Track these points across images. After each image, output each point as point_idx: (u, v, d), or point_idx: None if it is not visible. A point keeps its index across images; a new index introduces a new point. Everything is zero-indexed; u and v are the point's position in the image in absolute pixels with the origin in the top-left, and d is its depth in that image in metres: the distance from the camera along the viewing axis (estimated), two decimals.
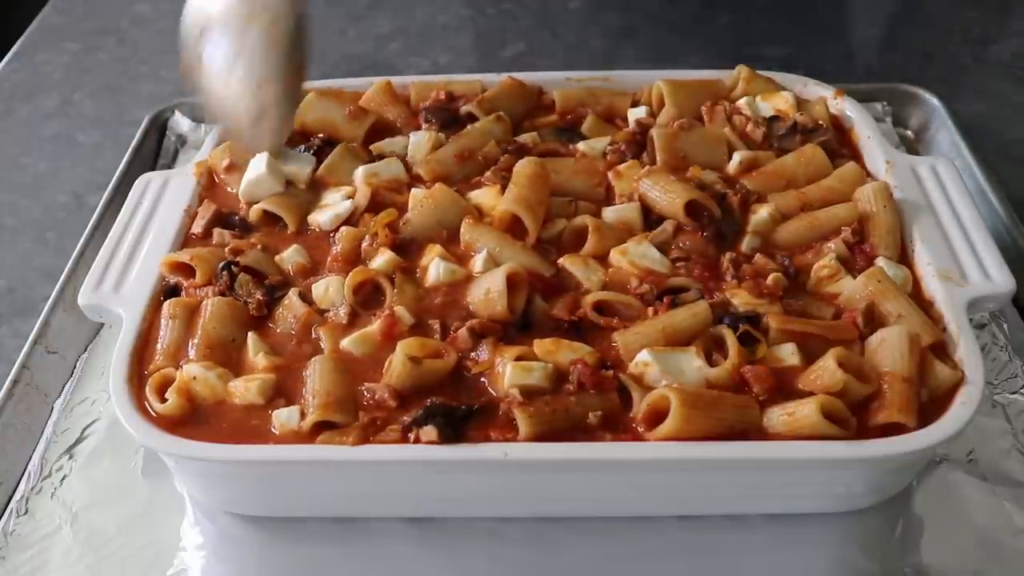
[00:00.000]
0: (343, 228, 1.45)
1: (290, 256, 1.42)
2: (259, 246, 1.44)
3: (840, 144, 1.62)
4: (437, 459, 1.16)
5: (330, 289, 1.35)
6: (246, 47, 1.45)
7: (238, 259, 1.38)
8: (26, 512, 1.32)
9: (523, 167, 1.47)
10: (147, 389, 1.24)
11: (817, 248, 1.41)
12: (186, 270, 1.40)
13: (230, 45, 1.46)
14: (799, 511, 1.28)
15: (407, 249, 1.41)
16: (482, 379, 1.24)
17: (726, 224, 1.44)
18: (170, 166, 1.91)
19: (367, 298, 1.35)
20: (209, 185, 1.56)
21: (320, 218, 1.48)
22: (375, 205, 1.49)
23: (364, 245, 1.41)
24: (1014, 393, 1.41)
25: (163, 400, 1.23)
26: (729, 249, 1.41)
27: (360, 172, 1.54)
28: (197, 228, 1.49)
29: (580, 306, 1.32)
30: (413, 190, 1.50)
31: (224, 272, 1.36)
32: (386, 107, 1.71)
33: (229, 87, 1.46)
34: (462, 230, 1.42)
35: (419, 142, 1.60)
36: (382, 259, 1.37)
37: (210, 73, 1.49)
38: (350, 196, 1.50)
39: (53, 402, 1.47)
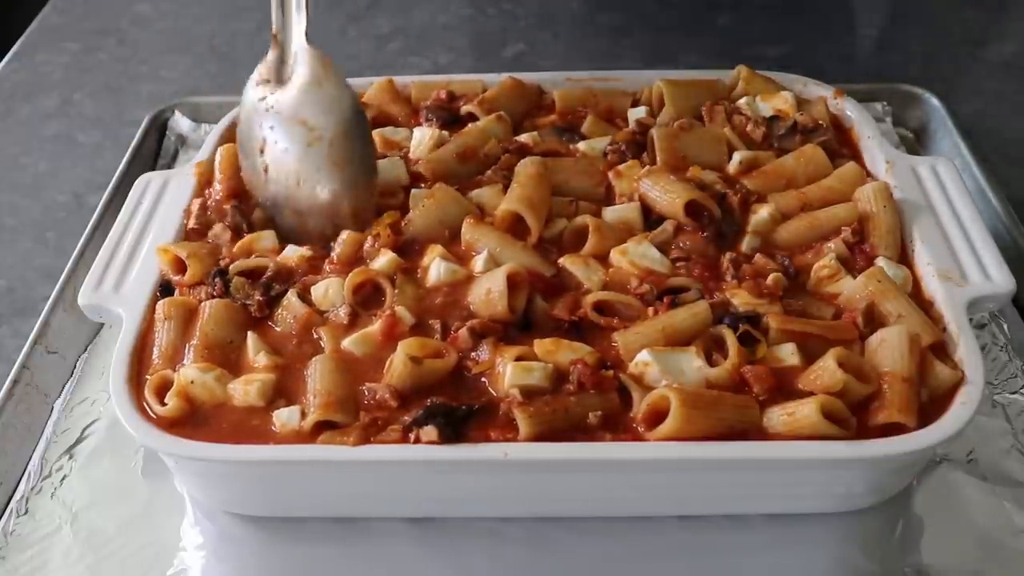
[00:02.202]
0: (344, 232, 1.44)
1: (289, 252, 1.43)
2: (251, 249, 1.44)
3: (840, 144, 1.62)
4: (437, 459, 1.16)
5: (330, 290, 1.35)
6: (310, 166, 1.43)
7: (228, 268, 1.38)
8: (26, 512, 1.32)
9: (525, 167, 1.47)
10: (146, 392, 1.24)
11: (817, 248, 1.41)
12: (184, 266, 1.40)
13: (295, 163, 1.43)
14: (799, 511, 1.28)
15: (408, 249, 1.41)
16: (482, 379, 1.24)
17: (726, 224, 1.44)
18: (170, 166, 1.91)
19: (367, 298, 1.35)
20: (207, 185, 1.56)
21: None
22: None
23: (366, 247, 1.41)
24: (1014, 393, 1.41)
25: (163, 402, 1.23)
26: (729, 249, 1.41)
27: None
28: (192, 224, 1.49)
29: (580, 306, 1.32)
30: (414, 190, 1.50)
31: (216, 279, 1.36)
32: (388, 104, 1.71)
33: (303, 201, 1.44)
34: (463, 230, 1.42)
35: (422, 139, 1.60)
36: (383, 259, 1.37)
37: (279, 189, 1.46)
38: None
39: (53, 402, 1.47)
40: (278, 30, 1.48)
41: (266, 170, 1.46)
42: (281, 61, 1.47)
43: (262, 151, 1.46)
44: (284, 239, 1.46)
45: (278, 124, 1.44)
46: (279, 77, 1.46)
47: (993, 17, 2.36)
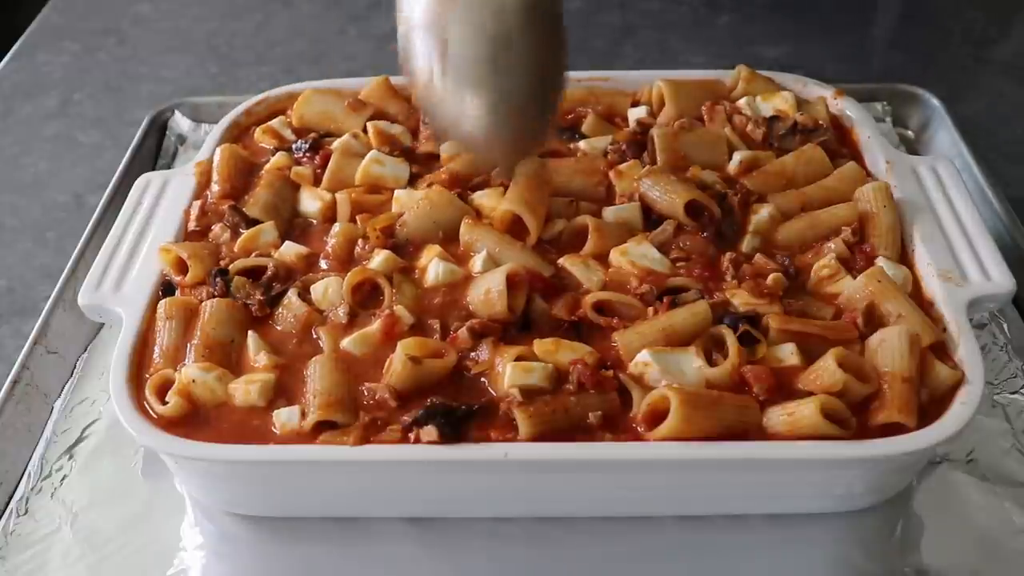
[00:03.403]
0: (337, 225, 1.45)
1: (286, 250, 1.43)
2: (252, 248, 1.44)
3: (840, 144, 1.62)
4: (437, 459, 1.16)
5: (329, 289, 1.35)
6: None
7: (228, 267, 1.38)
8: (26, 512, 1.32)
9: (524, 167, 1.47)
10: (147, 391, 1.24)
11: (817, 248, 1.41)
12: (186, 266, 1.40)
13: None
14: (799, 511, 1.28)
15: (403, 250, 1.41)
16: (482, 379, 1.24)
17: (726, 224, 1.44)
18: (170, 166, 1.91)
19: (365, 298, 1.35)
20: (207, 185, 1.56)
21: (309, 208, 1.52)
22: (367, 205, 1.50)
23: (357, 250, 1.41)
24: (1014, 393, 1.41)
25: (163, 402, 1.23)
26: (729, 249, 1.41)
27: (361, 167, 1.55)
28: (193, 224, 1.50)
29: (580, 306, 1.32)
30: (397, 192, 1.50)
31: (217, 279, 1.36)
32: (387, 102, 1.71)
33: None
34: (462, 230, 1.42)
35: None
36: (380, 259, 1.37)
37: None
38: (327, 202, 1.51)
39: (53, 402, 1.47)
40: None
41: (443, 84, 1.26)
42: None
43: (438, 58, 1.25)
44: (471, 156, 1.37)
45: (463, 10, 1.23)
46: None
47: (993, 17, 2.36)
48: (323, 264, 1.42)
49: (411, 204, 1.47)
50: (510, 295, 1.29)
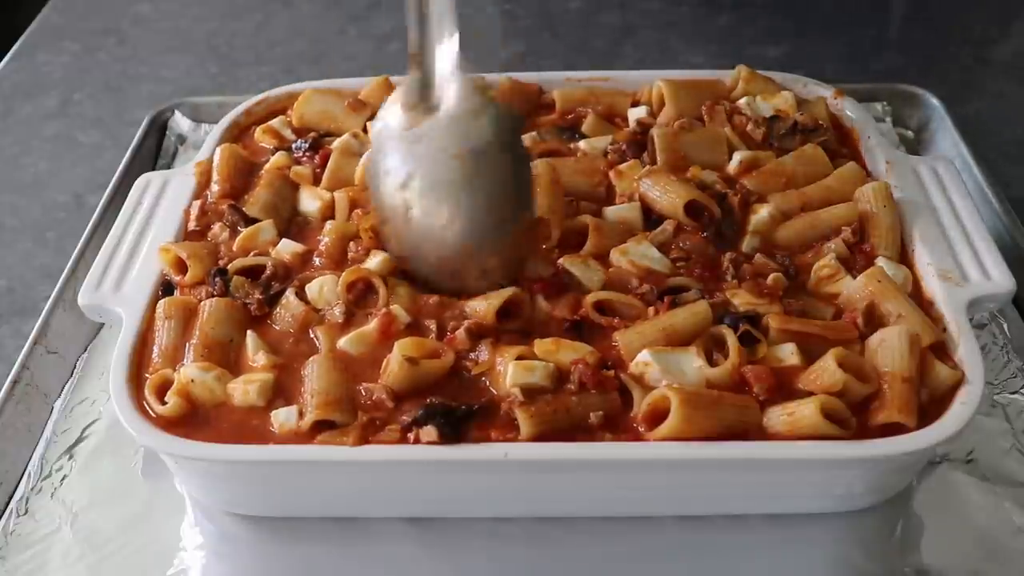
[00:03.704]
0: (329, 222, 1.46)
1: (283, 248, 1.43)
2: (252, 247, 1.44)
3: (840, 144, 1.62)
4: (437, 459, 1.16)
5: (324, 288, 1.35)
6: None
7: (227, 267, 1.38)
8: (26, 512, 1.32)
9: (536, 169, 1.45)
10: (146, 391, 1.24)
11: (817, 248, 1.41)
12: (185, 266, 1.40)
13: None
14: (799, 511, 1.28)
15: None
16: (483, 379, 1.24)
17: (726, 224, 1.44)
18: (170, 166, 1.91)
19: (360, 297, 1.35)
20: (207, 185, 1.56)
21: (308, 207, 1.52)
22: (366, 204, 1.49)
23: (351, 254, 1.41)
24: (1014, 393, 1.41)
25: (163, 402, 1.23)
26: (729, 249, 1.41)
27: (360, 165, 1.54)
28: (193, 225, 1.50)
29: (581, 306, 1.32)
30: None
31: (217, 278, 1.36)
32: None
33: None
34: None
35: None
36: (376, 259, 1.37)
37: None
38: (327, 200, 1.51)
39: (53, 402, 1.47)
40: (417, 52, 1.29)
41: (407, 208, 1.30)
42: (424, 85, 1.29)
43: (404, 186, 1.29)
44: (419, 285, 1.34)
45: (428, 156, 1.27)
46: (425, 104, 1.29)
47: (994, 17, 2.36)
48: (317, 262, 1.42)
49: None
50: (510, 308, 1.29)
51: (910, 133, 1.93)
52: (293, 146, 1.63)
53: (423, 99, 1.29)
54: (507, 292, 1.30)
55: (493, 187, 1.28)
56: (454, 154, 1.26)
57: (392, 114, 1.31)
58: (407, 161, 1.29)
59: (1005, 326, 1.50)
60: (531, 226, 1.36)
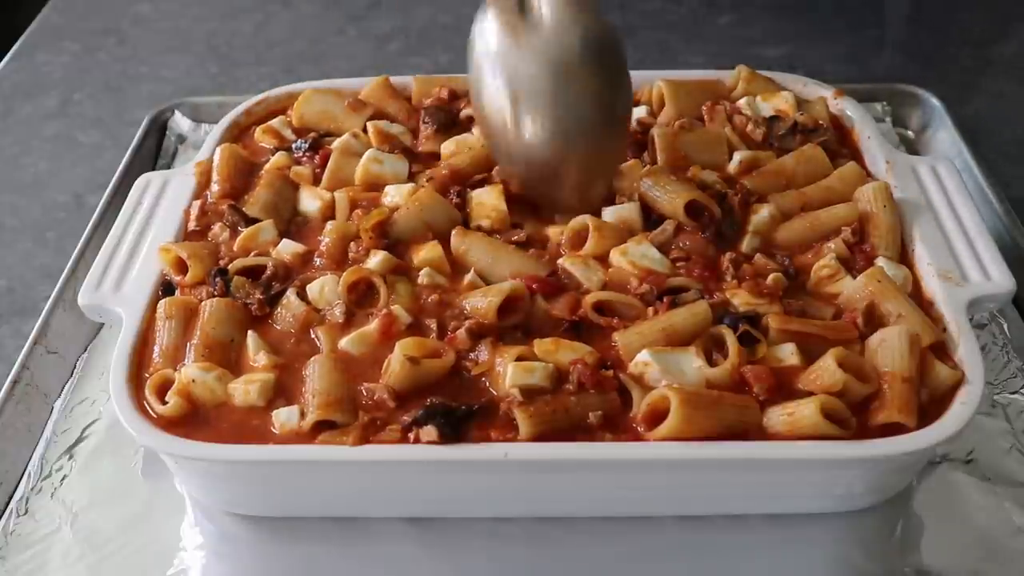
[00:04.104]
0: (329, 223, 1.46)
1: (284, 248, 1.43)
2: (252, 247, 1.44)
3: (840, 144, 1.62)
4: (437, 459, 1.16)
5: (325, 288, 1.35)
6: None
7: (227, 267, 1.38)
8: (26, 512, 1.32)
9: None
10: (146, 391, 1.24)
11: (817, 248, 1.41)
12: (185, 266, 1.40)
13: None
14: (799, 511, 1.28)
15: (394, 249, 1.41)
16: (483, 379, 1.24)
17: (726, 224, 1.44)
18: (170, 166, 1.91)
19: (361, 297, 1.35)
20: (207, 185, 1.56)
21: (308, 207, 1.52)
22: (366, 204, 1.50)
23: (351, 254, 1.41)
24: (1014, 393, 1.41)
25: (163, 402, 1.23)
26: (729, 249, 1.41)
27: (360, 165, 1.54)
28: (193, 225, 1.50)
29: (580, 306, 1.32)
30: (398, 186, 1.51)
31: (217, 278, 1.36)
32: (386, 102, 1.71)
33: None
34: (453, 240, 1.41)
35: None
36: (376, 259, 1.37)
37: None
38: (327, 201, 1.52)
39: (53, 402, 1.47)
40: None
41: (510, 120, 1.35)
42: None
43: (506, 99, 1.34)
44: (539, 206, 1.41)
45: (526, 68, 1.32)
46: (522, 11, 1.33)
47: (994, 17, 2.36)
48: (317, 262, 1.42)
49: (401, 201, 1.47)
50: (510, 305, 1.29)
51: (910, 133, 1.93)
52: (293, 146, 1.63)
53: (520, 7, 1.33)
54: (507, 288, 1.30)
55: (586, 97, 1.33)
56: (550, 65, 1.31)
57: (489, 30, 1.36)
58: (507, 75, 1.33)
59: (1005, 326, 1.50)
60: (623, 136, 1.43)
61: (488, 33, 1.37)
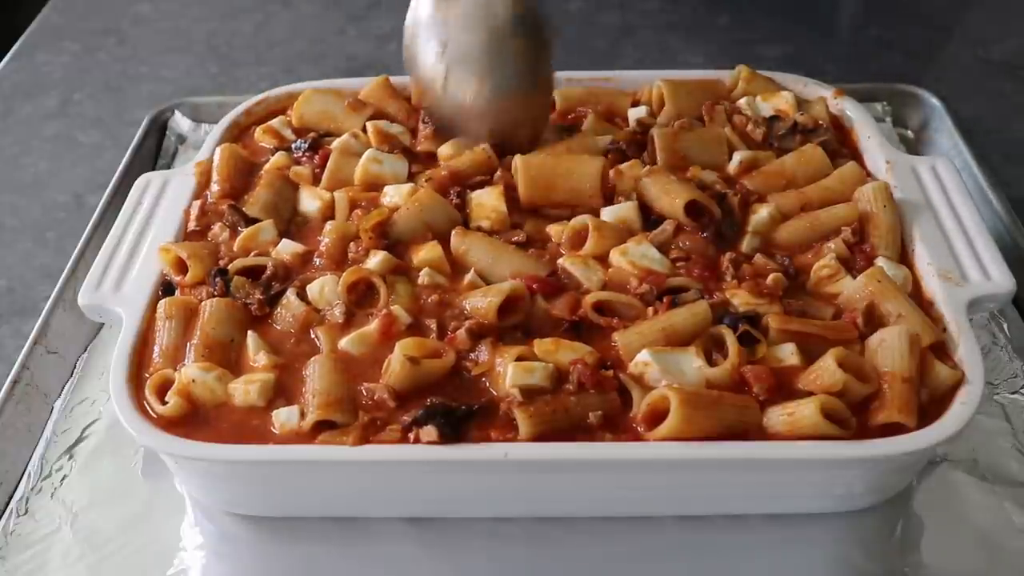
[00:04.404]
0: (329, 223, 1.46)
1: (284, 248, 1.43)
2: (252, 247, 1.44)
3: (840, 144, 1.62)
4: (437, 459, 1.16)
5: (325, 288, 1.35)
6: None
7: (227, 267, 1.38)
8: (26, 512, 1.32)
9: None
10: (146, 391, 1.24)
11: (817, 248, 1.41)
12: (185, 266, 1.40)
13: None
14: (799, 511, 1.28)
15: (394, 249, 1.41)
16: (483, 379, 1.24)
17: (726, 224, 1.44)
18: (170, 166, 1.91)
19: (361, 297, 1.35)
20: (207, 185, 1.56)
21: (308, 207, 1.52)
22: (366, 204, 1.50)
23: (351, 254, 1.41)
24: (1014, 393, 1.41)
25: (163, 402, 1.23)
26: (729, 249, 1.41)
27: (360, 165, 1.54)
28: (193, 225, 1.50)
29: (580, 306, 1.32)
30: (397, 186, 1.50)
31: (217, 279, 1.36)
32: (386, 102, 1.71)
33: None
34: (453, 240, 1.41)
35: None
36: (376, 259, 1.37)
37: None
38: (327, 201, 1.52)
39: (53, 402, 1.47)
40: None
41: (446, 76, 1.50)
42: None
43: (438, 58, 1.50)
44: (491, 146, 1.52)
45: (456, 32, 1.48)
46: None
47: (993, 17, 2.36)
48: (317, 262, 1.42)
49: (401, 201, 1.47)
50: (511, 305, 1.29)
51: (910, 133, 1.93)
52: (293, 146, 1.63)
53: None
54: (507, 288, 1.30)
55: (515, 57, 1.49)
56: (479, 28, 1.47)
57: (422, 2, 1.52)
58: (439, 37, 1.50)
59: (1005, 326, 1.50)
60: (548, 90, 1.58)
61: (423, 4, 1.52)
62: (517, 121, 1.54)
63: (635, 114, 1.67)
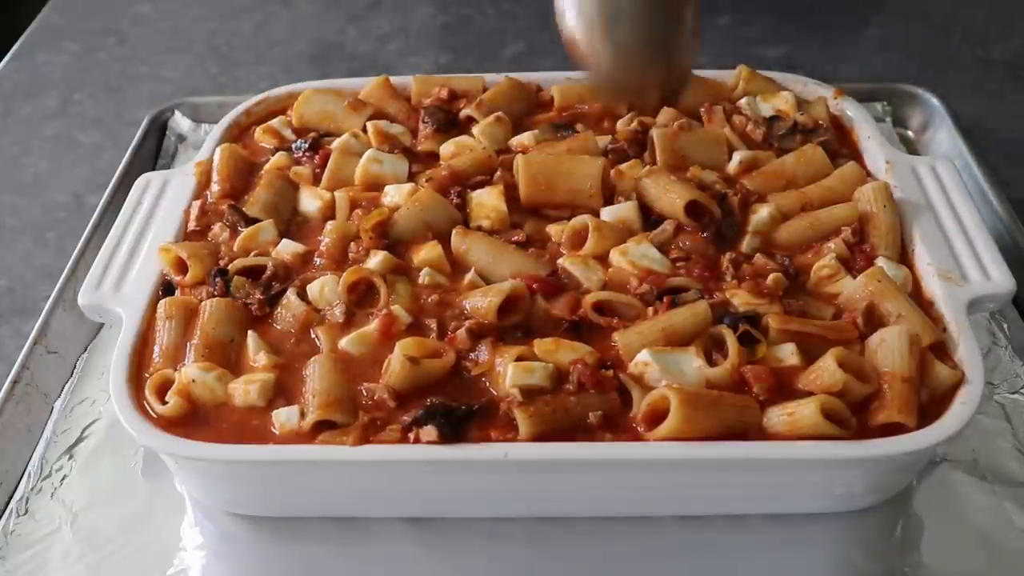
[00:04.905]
0: (329, 223, 1.46)
1: (284, 248, 1.43)
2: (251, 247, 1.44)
3: (840, 144, 1.62)
4: (437, 459, 1.16)
5: (325, 288, 1.35)
6: None
7: (228, 267, 1.39)
8: (26, 512, 1.32)
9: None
10: (146, 391, 1.24)
11: (817, 248, 1.41)
12: (185, 266, 1.40)
13: None
14: (799, 511, 1.28)
15: (394, 249, 1.41)
16: (483, 379, 1.24)
17: (726, 224, 1.44)
18: (170, 166, 1.91)
19: (361, 297, 1.35)
20: (207, 185, 1.56)
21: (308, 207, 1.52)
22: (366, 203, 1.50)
23: (351, 254, 1.41)
24: (1014, 393, 1.41)
25: (163, 402, 1.23)
26: (729, 249, 1.41)
27: (360, 165, 1.54)
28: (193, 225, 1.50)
29: (580, 306, 1.32)
30: (397, 186, 1.50)
31: (217, 279, 1.36)
32: (385, 102, 1.71)
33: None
34: (453, 240, 1.41)
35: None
36: (376, 259, 1.38)
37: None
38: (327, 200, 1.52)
39: (53, 402, 1.47)
40: None
41: (590, 30, 1.45)
42: None
43: (606, 16, 1.45)
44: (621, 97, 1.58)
45: None
46: None
47: (993, 17, 2.36)
48: (317, 262, 1.42)
49: (401, 201, 1.47)
50: (511, 305, 1.29)
51: (910, 133, 1.93)
52: (293, 146, 1.63)
53: None
54: (507, 288, 1.30)
55: (668, 13, 1.46)
56: None
57: None
58: None
59: (1005, 326, 1.50)
60: (695, 35, 1.53)
61: None
62: (672, 70, 1.52)
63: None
